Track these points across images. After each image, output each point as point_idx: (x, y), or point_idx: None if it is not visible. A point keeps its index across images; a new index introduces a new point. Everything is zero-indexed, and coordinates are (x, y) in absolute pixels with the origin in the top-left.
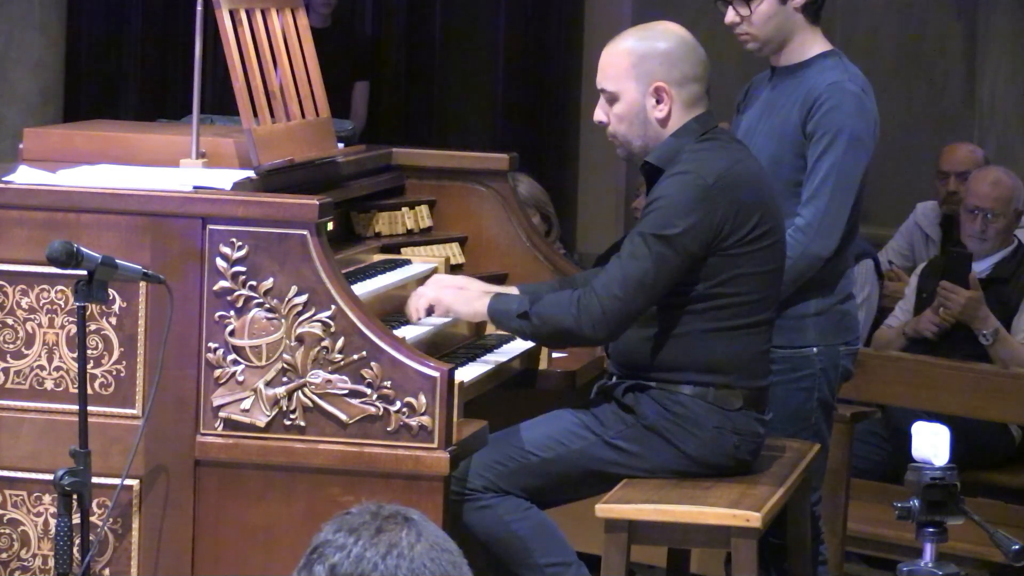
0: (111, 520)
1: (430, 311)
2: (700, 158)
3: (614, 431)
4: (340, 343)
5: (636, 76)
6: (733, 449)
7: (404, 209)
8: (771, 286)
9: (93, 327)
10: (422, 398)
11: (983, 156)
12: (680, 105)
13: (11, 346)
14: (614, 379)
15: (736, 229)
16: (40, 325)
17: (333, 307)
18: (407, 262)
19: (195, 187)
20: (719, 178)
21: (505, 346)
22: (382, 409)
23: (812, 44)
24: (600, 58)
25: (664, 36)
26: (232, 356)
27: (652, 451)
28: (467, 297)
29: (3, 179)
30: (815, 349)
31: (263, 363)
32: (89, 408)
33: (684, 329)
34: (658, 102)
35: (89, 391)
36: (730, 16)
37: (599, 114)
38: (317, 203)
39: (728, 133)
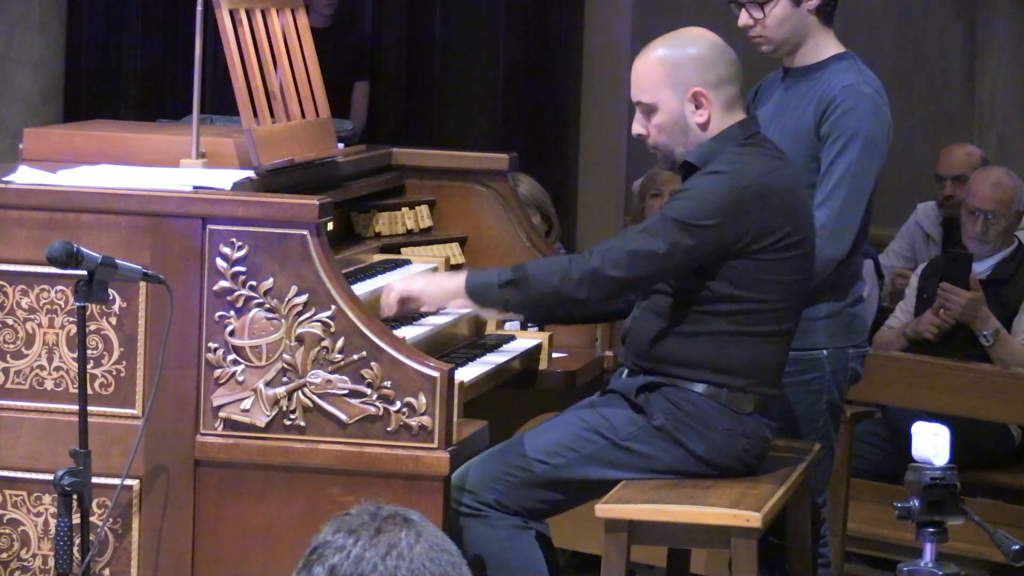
0: (111, 520)
1: (405, 305)
2: (739, 161)
3: (624, 432)
4: (340, 343)
5: (672, 84)
6: (742, 452)
7: (404, 209)
8: (796, 296)
9: (93, 327)
10: (422, 398)
11: (980, 157)
12: (719, 108)
13: (11, 346)
14: (625, 373)
15: (763, 236)
16: (40, 325)
17: (333, 307)
18: (407, 262)
19: (195, 187)
20: (752, 183)
21: (505, 346)
22: (382, 409)
23: (826, 46)
24: (632, 71)
25: (694, 41)
26: (232, 356)
27: (662, 452)
28: (438, 280)
29: (3, 179)
30: (825, 352)
31: (263, 363)
32: (89, 408)
33: (706, 328)
34: (697, 107)
35: (89, 391)
36: (743, 19)
37: (637, 127)
38: (317, 203)
39: (770, 141)
